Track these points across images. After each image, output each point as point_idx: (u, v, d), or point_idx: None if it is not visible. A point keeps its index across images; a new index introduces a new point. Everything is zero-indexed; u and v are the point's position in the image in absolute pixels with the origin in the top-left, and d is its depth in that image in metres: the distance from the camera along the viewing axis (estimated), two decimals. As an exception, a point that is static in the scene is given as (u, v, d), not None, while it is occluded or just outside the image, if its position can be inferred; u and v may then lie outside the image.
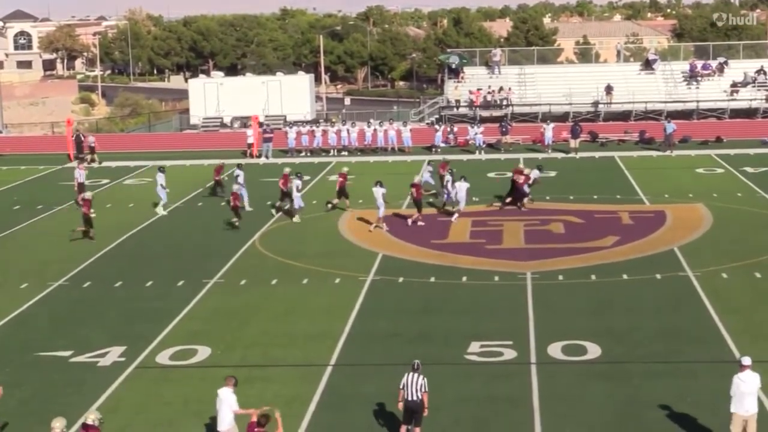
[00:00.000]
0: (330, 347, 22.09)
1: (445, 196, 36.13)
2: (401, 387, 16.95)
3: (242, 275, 28.35)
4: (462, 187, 34.24)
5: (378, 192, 33.88)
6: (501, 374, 20.35)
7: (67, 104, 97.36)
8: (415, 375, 16.93)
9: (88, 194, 34.79)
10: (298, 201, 35.49)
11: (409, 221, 34.06)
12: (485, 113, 60.58)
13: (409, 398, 16.89)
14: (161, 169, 38.75)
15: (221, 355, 21.94)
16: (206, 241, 32.90)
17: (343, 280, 27.59)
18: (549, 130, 50.17)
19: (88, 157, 50.27)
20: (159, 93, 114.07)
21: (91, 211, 33.54)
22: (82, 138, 53.90)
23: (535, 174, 37.27)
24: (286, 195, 36.09)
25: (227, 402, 16.70)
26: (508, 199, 36.22)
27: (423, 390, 16.81)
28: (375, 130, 52.98)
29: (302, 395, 19.42)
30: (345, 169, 37.83)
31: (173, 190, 40.90)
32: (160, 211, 37.31)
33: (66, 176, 47.83)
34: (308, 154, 52.02)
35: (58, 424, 15.54)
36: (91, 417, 15.72)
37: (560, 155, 49.05)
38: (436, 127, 54.25)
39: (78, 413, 18.77)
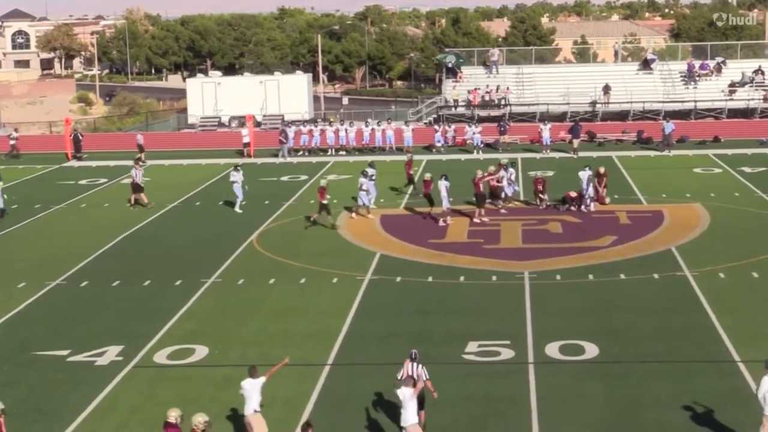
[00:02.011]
0: (328, 347, 22.10)
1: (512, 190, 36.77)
2: (399, 377, 17.21)
3: (240, 274, 28.34)
4: (442, 185, 34.02)
5: (442, 185, 33.92)
6: (499, 374, 20.36)
7: (65, 103, 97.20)
8: (414, 364, 17.37)
9: (323, 182, 34.26)
10: (367, 195, 35.76)
11: (476, 219, 34.16)
12: (483, 113, 60.63)
13: None
14: (237, 167, 38.19)
15: (219, 354, 21.94)
16: (204, 240, 32.88)
17: (341, 279, 27.59)
18: (546, 131, 50.12)
19: (137, 155, 50.15)
20: (157, 92, 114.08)
21: (327, 197, 33.49)
22: (80, 137, 53.88)
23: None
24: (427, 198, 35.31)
25: (410, 397, 16.54)
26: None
27: (425, 378, 17.21)
28: (373, 129, 53.02)
29: (300, 395, 19.43)
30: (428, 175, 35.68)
31: (171, 190, 40.94)
32: (237, 209, 36.90)
33: (63, 175, 47.86)
34: (306, 153, 52.02)
35: (201, 419, 15.44)
36: (173, 414, 15.58)
37: (558, 155, 49.03)
38: (436, 127, 54.18)
39: (76, 413, 18.80)
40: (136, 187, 38.62)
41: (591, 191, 35.65)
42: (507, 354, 21.40)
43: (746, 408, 18.07)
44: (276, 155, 50.82)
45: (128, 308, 25.52)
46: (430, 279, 27.47)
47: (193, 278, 27.89)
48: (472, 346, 21.79)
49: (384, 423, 18.06)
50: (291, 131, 52.60)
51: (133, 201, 38.58)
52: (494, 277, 27.44)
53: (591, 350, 21.42)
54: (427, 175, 35.41)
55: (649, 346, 21.62)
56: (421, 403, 17.46)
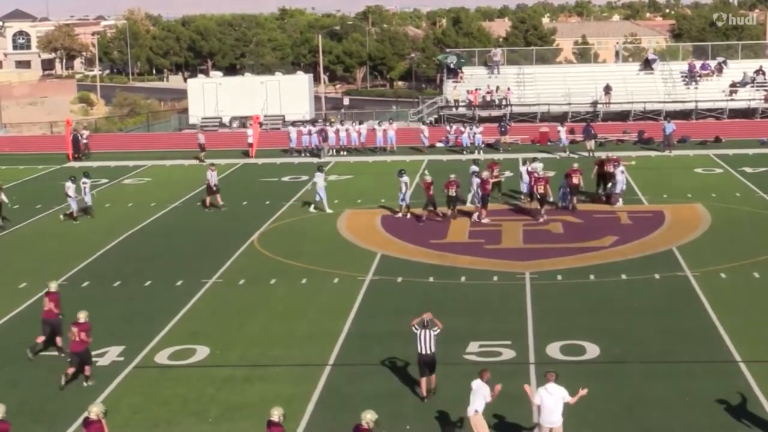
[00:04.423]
0: (329, 347, 22.10)
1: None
2: (415, 336, 18.77)
3: (241, 275, 28.34)
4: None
5: (474, 182, 34.19)
6: (500, 374, 20.30)
7: (66, 104, 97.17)
8: (427, 331, 18.76)
9: (428, 177, 34.57)
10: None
11: (483, 219, 34.18)
12: (484, 113, 60.62)
13: (424, 352, 18.72)
14: (320, 168, 37.78)
15: (220, 354, 21.94)
16: (205, 240, 32.88)
17: (342, 279, 27.59)
18: (563, 132, 49.60)
19: (201, 154, 50.20)
20: (158, 93, 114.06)
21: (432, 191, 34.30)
22: (80, 138, 53.92)
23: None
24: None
25: (561, 395, 16.24)
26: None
27: (438, 330, 18.85)
28: (374, 129, 53.08)
29: (301, 395, 19.43)
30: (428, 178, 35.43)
31: (172, 190, 40.93)
32: (327, 209, 36.43)
33: (64, 176, 47.81)
34: (307, 154, 52.02)
35: (369, 416, 15.24)
36: (276, 413, 15.51)
37: (559, 155, 48.93)
38: (461, 128, 53.35)
39: (76, 413, 18.78)
40: (210, 190, 37.69)
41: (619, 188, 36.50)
42: (508, 354, 21.40)
43: (747, 408, 18.09)
44: (318, 154, 50.37)
45: (129, 309, 25.51)
46: (431, 279, 27.47)
47: (194, 279, 27.89)
48: (473, 347, 21.79)
49: (385, 423, 18.03)
50: (332, 131, 52.46)
51: (208, 203, 37.68)
52: (495, 278, 27.43)
53: (592, 350, 21.42)
54: (428, 177, 35.17)
55: (650, 347, 21.62)
56: (432, 367, 18.71)
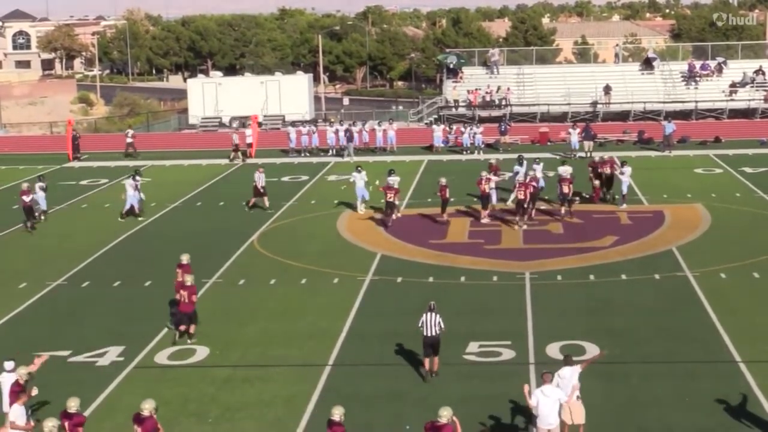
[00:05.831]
0: (329, 347, 22.10)
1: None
2: (420, 325, 19.80)
3: (241, 275, 28.35)
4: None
5: (492, 182, 34.60)
6: (499, 374, 20.36)
7: (66, 104, 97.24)
8: (432, 314, 19.78)
9: (444, 180, 34.13)
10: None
11: (482, 219, 34.24)
12: (484, 113, 60.62)
13: (428, 334, 19.69)
14: (359, 168, 37.46)
15: (220, 354, 21.94)
16: (205, 240, 32.87)
17: (342, 280, 27.59)
18: (574, 135, 49.06)
19: (231, 154, 50.05)
20: (157, 93, 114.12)
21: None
22: (78, 137, 53.89)
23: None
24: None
25: (557, 396, 16.16)
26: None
27: (441, 326, 19.72)
28: (374, 129, 53.05)
29: (301, 395, 19.44)
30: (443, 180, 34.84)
31: (172, 191, 40.87)
32: (361, 209, 36.41)
33: (64, 176, 47.87)
34: (307, 154, 52.04)
35: (447, 412, 15.04)
36: (337, 413, 15.53)
37: (558, 155, 48.92)
38: (462, 128, 53.14)
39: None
40: (257, 191, 37.17)
41: (625, 189, 36.52)
42: (508, 354, 21.41)
43: (747, 408, 18.09)
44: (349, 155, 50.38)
45: (129, 309, 25.52)
46: (430, 279, 27.48)
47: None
48: (473, 347, 21.80)
49: (385, 423, 18.06)
50: (355, 130, 52.31)
51: (252, 203, 37.28)
52: (495, 278, 27.44)
53: (592, 351, 21.38)
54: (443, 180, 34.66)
55: (649, 347, 21.62)
56: (436, 349, 19.68)
